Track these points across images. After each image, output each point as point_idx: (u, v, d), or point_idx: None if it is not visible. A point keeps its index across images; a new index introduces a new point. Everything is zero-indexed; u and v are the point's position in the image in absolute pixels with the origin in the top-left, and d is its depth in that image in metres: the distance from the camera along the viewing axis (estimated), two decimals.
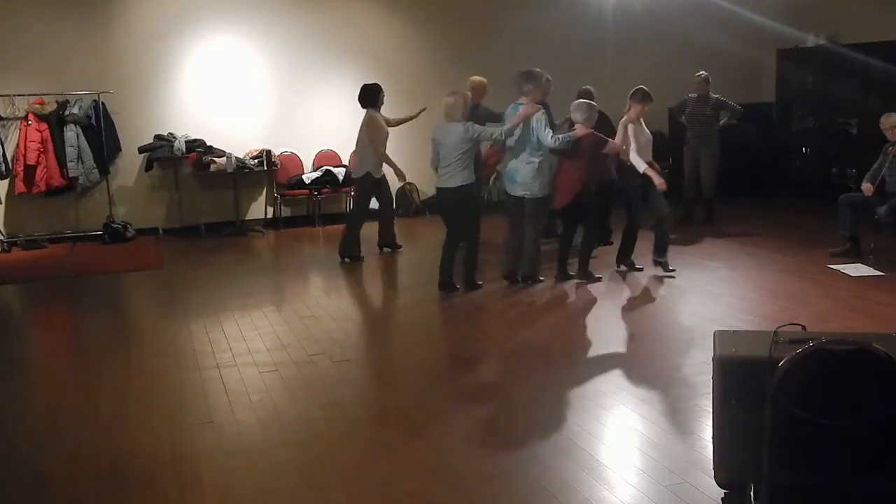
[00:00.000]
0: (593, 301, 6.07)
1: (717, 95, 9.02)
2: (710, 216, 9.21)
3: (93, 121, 9.04)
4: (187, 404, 4.23)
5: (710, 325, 4.43)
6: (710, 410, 2.98)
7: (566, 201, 6.28)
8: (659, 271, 6.61)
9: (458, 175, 6.25)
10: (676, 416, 3.89)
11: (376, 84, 7.83)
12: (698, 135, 9.05)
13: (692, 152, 9.14)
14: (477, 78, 7.90)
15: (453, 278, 6.40)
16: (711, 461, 3.01)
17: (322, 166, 9.94)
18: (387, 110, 10.38)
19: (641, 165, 6.37)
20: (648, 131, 6.67)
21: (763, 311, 5.62)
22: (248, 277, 7.50)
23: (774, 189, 10.88)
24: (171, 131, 9.41)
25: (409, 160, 10.56)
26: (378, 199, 8.04)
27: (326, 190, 9.87)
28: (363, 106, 7.80)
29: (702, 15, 10.53)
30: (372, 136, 7.62)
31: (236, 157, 9.33)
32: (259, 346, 5.16)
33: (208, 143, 9.49)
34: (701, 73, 8.97)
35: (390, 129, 7.97)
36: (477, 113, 7.32)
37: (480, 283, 6.49)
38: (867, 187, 6.98)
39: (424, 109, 8.00)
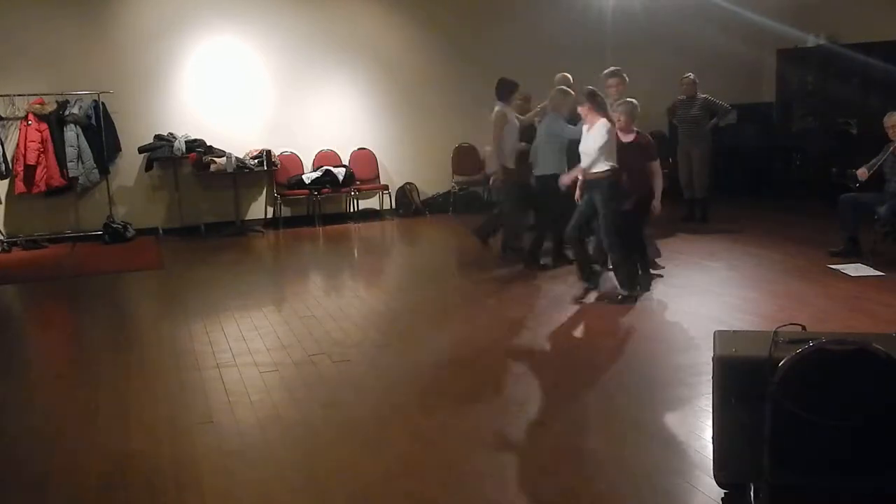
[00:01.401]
0: (594, 300, 6.06)
1: (704, 95, 9.11)
2: (704, 215, 9.26)
3: (93, 121, 9.04)
4: (187, 404, 4.22)
5: (710, 325, 4.42)
6: (710, 410, 2.98)
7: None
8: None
9: (544, 165, 6.68)
10: (676, 416, 3.88)
11: (511, 80, 7.62)
12: (688, 135, 9.20)
13: (684, 153, 9.26)
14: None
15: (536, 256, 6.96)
16: (711, 461, 3.01)
17: (322, 166, 9.95)
18: (386, 108, 10.46)
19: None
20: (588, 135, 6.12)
21: (763, 311, 5.61)
22: (248, 277, 7.50)
23: (774, 189, 10.89)
24: (171, 131, 9.42)
25: (408, 160, 10.62)
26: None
27: (326, 190, 9.88)
28: (499, 99, 7.69)
29: (702, 16, 10.54)
30: (496, 132, 7.44)
31: (236, 157, 9.34)
32: (259, 346, 5.16)
33: (208, 143, 9.49)
34: (688, 74, 9.14)
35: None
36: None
37: (544, 263, 7.01)
38: (862, 172, 6.99)
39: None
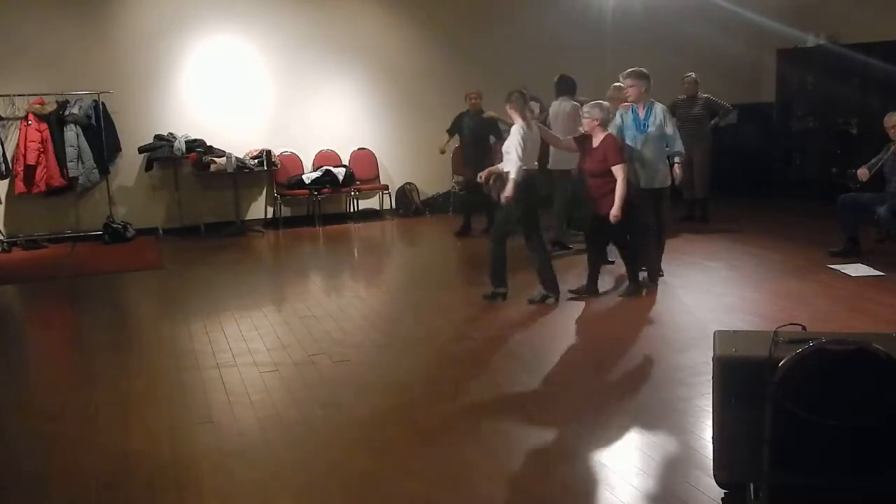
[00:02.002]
0: (593, 301, 6.06)
1: (706, 95, 9.10)
2: (704, 215, 9.26)
3: (93, 121, 9.04)
4: (187, 404, 4.23)
5: (710, 325, 4.42)
6: (710, 410, 2.98)
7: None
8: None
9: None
10: (676, 416, 3.89)
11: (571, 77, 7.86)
12: (689, 135, 9.14)
13: (685, 152, 9.22)
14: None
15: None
16: (711, 461, 3.01)
17: (322, 166, 9.95)
18: (386, 108, 10.45)
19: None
20: (536, 134, 6.12)
21: (763, 311, 5.61)
22: (248, 277, 7.50)
23: (774, 189, 10.89)
24: (171, 131, 9.41)
25: (408, 160, 10.62)
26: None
27: (326, 190, 9.87)
28: (564, 94, 7.78)
29: (702, 15, 10.53)
30: (572, 125, 7.39)
31: (236, 157, 9.33)
32: (259, 346, 5.16)
33: (208, 143, 9.49)
34: (689, 74, 9.13)
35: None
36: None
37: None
38: (863, 172, 6.96)
39: None
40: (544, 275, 6.03)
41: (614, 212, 5.73)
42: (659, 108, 6.22)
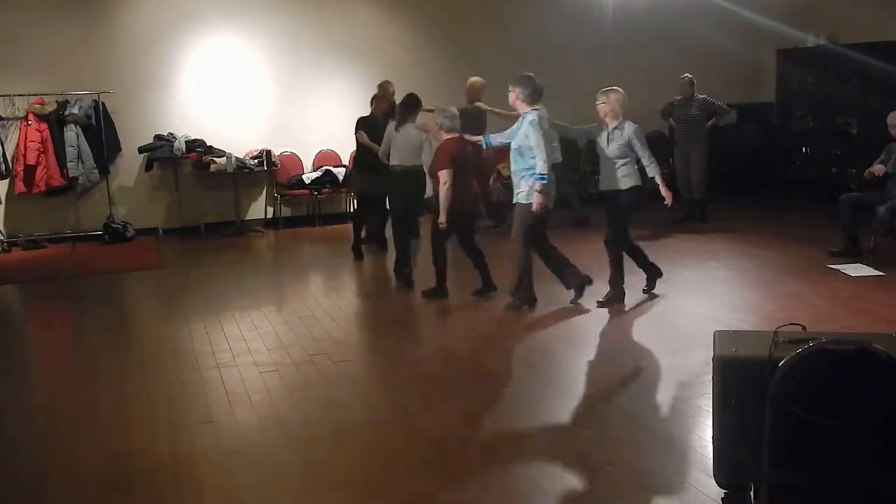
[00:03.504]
0: (593, 303, 6.06)
1: (703, 96, 9.10)
2: (702, 216, 9.27)
3: (93, 121, 9.04)
4: (187, 404, 4.23)
5: (710, 325, 4.41)
6: (710, 410, 2.98)
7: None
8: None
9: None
10: (676, 416, 3.89)
11: None
12: (686, 135, 9.20)
13: (682, 153, 9.28)
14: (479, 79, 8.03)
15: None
16: (711, 461, 3.01)
17: (322, 166, 9.95)
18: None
19: None
20: (412, 135, 6.76)
21: (763, 311, 5.61)
22: (248, 277, 7.50)
23: (774, 189, 10.89)
24: (171, 131, 9.41)
25: None
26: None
27: (326, 190, 9.88)
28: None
29: (702, 15, 10.53)
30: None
31: (236, 157, 9.34)
32: (259, 346, 5.16)
33: (208, 143, 9.49)
34: (686, 75, 9.13)
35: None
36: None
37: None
38: (879, 168, 6.90)
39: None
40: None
41: (440, 218, 6.02)
42: (527, 119, 5.53)
